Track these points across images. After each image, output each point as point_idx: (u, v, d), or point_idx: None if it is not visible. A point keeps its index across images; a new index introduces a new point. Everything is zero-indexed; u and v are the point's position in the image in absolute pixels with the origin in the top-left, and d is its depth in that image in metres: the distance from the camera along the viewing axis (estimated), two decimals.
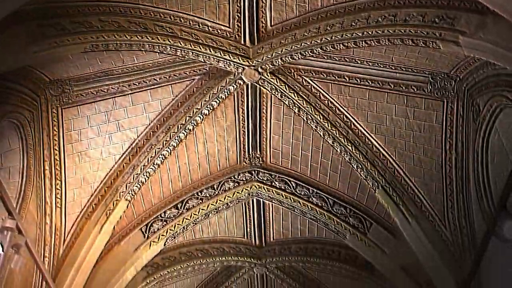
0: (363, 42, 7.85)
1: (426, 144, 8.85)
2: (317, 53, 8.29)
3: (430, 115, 8.57)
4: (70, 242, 9.18)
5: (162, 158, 9.65)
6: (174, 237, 10.86)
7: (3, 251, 6.76)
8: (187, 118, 9.29)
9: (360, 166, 9.52)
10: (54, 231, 8.80)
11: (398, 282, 10.18)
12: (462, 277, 8.79)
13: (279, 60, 8.47)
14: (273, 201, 10.89)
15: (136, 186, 9.68)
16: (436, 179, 8.97)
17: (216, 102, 9.22)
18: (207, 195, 10.63)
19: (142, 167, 9.55)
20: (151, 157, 9.54)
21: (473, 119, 7.89)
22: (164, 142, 9.46)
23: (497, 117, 7.34)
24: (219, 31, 8.18)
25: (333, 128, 9.30)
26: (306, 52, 8.26)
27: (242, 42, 8.34)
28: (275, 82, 8.96)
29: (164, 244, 10.77)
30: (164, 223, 10.54)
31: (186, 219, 10.62)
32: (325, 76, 8.89)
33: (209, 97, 9.12)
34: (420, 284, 9.75)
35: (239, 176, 10.66)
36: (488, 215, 7.83)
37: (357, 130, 9.28)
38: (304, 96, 9.12)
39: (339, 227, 10.52)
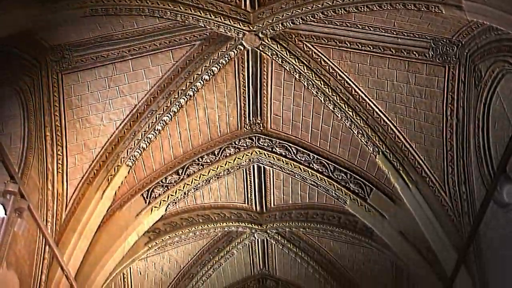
0: (365, 7, 7.78)
1: (427, 109, 8.83)
2: (318, 18, 8.22)
3: (432, 80, 8.53)
4: (72, 207, 9.25)
5: (162, 124, 9.65)
6: (175, 203, 10.93)
7: (6, 214, 6.82)
8: (188, 83, 9.27)
9: (360, 132, 9.52)
10: (56, 197, 8.86)
11: (397, 247, 10.28)
12: (461, 242, 8.88)
13: (280, 25, 8.42)
14: (274, 167, 10.93)
15: (137, 152, 9.71)
16: (437, 145, 8.97)
17: (217, 67, 9.19)
18: (208, 161, 10.66)
19: (142, 133, 9.56)
20: (152, 123, 9.54)
21: (474, 85, 7.86)
22: (165, 107, 9.45)
23: (498, 83, 7.31)
24: None
25: (333, 94, 9.27)
26: (307, 17, 8.19)
27: (243, 7, 8.27)
28: (276, 48, 8.91)
29: (165, 210, 10.85)
30: (165, 188, 10.60)
31: (187, 184, 10.67)
32: (326, 41, 8.82)
33: (210, 62, 9.09)
34: (419, 249, 9.84)
35: (240, 142, 10.67)
36: (488, 180, 7.87)
37: (358, 96, 9.25)
38: (305, 62, 9.07)
39: (339, 192, 10.58)
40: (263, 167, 11.18)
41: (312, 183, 10.82)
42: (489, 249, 8.44)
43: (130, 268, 12.68)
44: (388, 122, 9.28)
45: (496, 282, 8.29)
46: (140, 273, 13.13)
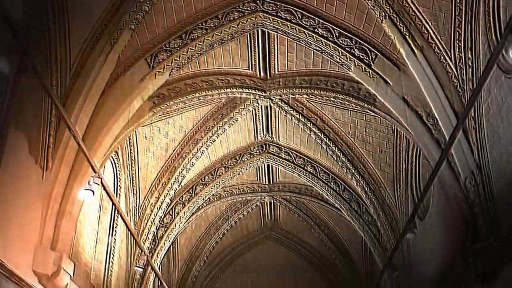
0: None
1: None
2: None
3: None
4: (76, 72, 9.21)
5: None
6: (179, 68, 10.90)
7: (8, 74, 6.81)
8: None
9: None
10: (59, 61, 8.80)
11: (399, 113, 10.39)
12: (463, 108, 8.96)
13: None
14: (278, 32, 10.74)
15: (140, 15, 9.49)
16: (445, 9, 8.75)
17: None
18: (212, 25, 10.45)
19: None
20: None
21: None
22: None
23: None
24: None
25: None
26: None
27: None
28: None
29: (169, 75, 10.84)
30: (169, 53, 10.50)
31: (191, 49, 10.56)
32: None
33: None
34: (420, 115, 9.96)
35: (244, 6, 10.38)
36: (495, 45, 7.77)
37: None
38: None
39: (344, 58, 10.48)
40: (268, 32, 11.00)
41: (317, 48, 10.68)
42: (490, 115, 8.54)
43: (135, 133, 12.96)
44: None
45: (494, 147, 8.48)
46: (146, 138, 13.43)
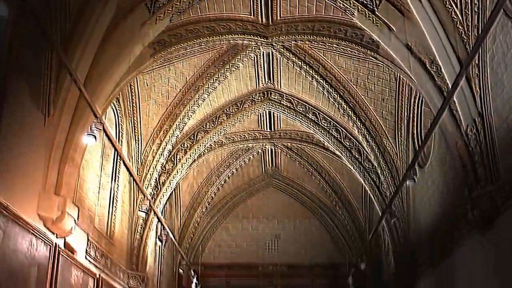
0: None
1: None
2: None
3: None
4: (76, 17, 9.07)
5: None
6: (180, 13, 10.74)
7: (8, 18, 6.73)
8: None
9: None
10: (59, 6, 8.65)
11: (402, 60, 10.31)
12: (466, 55, 8.88)
13: None
14: None
15: None
16: None
17: None
18: None
19: None
20: None
21: None
22: None
23: None
24: None
25: None
26: None
27: None
28: None
29: (170, 20, 10.70)
30: None
31: None
32: None
33: None
34: (424, 62, 9.88)
35: None
36: None
37: None
38: None
39: (347, 3, 10.31)
40: None
41: None
42: (493, 63, 8.48)
43: (136, 80, 12.91)
44: None
45: (497, 95, 8.45)
46: (147, 85, 13.38)
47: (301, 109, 15.11)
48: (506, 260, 8.01)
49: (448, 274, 10.69)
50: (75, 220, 9.04)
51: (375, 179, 14.68)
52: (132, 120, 13.53)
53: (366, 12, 10.24)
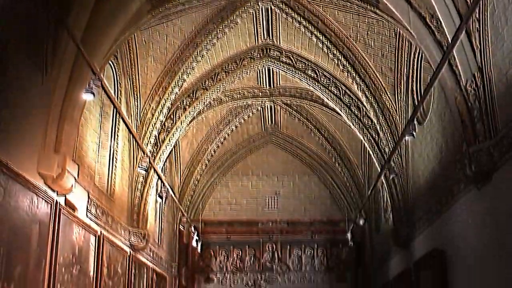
0: None
1: None
2: None
3: None
4: None
5: None
6: None
7: None
8: None
9: None
10: None
11: (402, 14, 10.19)
12: (466, 8, 8.75)
13: None
14: None
15: None
16: None
17: None
18: None
19: None
20: None
21: None
22: None
23: None
24: None
25: None
26: None
27: None
28: None
29: None
30: None
31: None
32: None
33: None
34: (423, 17, 9.76)
35: None
36: None
37: None
38: None
39: None
40: None
41: None
42: (493, 18, 8.38)
43: (134, 37, 12.78)
44: None
45: (497, 50, 8.38)
46: (145, 42, 13.27)
47: (300, 66, 15.01)
48: (502, 212, 8.11)
49: (445, 227, 10.84)
50: (75, 178, 9.10)
51: (374, 136, 14.70)
52: (131, 78, 13.47)
53: None
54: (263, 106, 18.22)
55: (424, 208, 12.36)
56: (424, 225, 12.29)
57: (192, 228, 18.84)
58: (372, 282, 19.09)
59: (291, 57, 14.93)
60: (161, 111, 14.01)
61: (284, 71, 15.31)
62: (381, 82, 13.59)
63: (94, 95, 8.46)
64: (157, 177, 14.36)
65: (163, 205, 17.79)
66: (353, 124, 15.23)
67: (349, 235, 19.10)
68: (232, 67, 15.08)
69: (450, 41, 8.83)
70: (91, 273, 10.53)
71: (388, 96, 13.63)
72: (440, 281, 10.79)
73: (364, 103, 14.19)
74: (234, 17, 12.97)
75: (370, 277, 19.35)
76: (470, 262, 9.54)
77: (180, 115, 15.14)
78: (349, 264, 20.23)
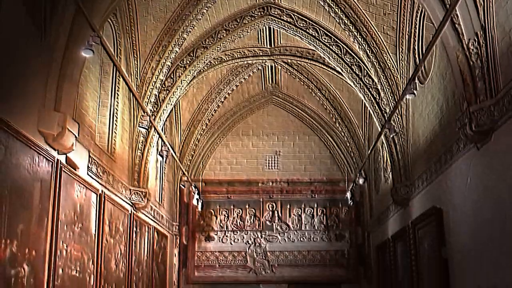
0: None
1: None
2: None
3: None
4: None
5: None
6: None
7: None
8: None
9: None
10: None
11: None
12: None
13: None
14: None
15: None
16: None
17: None
18: None
19: None
20: None
21: None
22: None
23: None
24: None
25: None
26: None
27: None
28: None
29: None
30: None
31: None
32: None
33: None
34: None
35: None
36: None
37: None
38: None
39: None
40: None
41: None
42: None
43: None
44: None
45: (500, 8, 8.28)
46: (144, 0, 13.10)
47: (301, 25, 14.85)
48: (501, 171, 8.16)
49: (444, 186, 10.92)
50: (76, 136, 9.12)
51: (375, 95, 14.65)
52: (130, 37, 13.35)
53: None
54: (263, 66, 18.13)
55: (423, 167, 12.42)
56: (423, 184, 12.38)
57: (193, 188, 18.97)
58: (371, 240, 19.35)
59: (292, 16, 14.76)
60: (161, 70, 13.93)
61: (285, 29, 15.16)
62: (382, 41, 13.47)
63: (93, 52, 8.41)
64: (157, 136, 14.39)
65: (163, 165, 17.88)
66: (354, 84, 15.16)
67: (348, 194, 19.26)
68: (232, 25, 14.92)
69: None
70: (93, 231, 10.66)
71: (390, 56, 13.54)
72: (437, 238, 10.95)
73: (365, 63, 14.10)
74: None
75: (369, 235, 19.60)
76: (467, 219, 9.65)
77: (180, 74, 15.06)
78: (348, 223, 20.45)
